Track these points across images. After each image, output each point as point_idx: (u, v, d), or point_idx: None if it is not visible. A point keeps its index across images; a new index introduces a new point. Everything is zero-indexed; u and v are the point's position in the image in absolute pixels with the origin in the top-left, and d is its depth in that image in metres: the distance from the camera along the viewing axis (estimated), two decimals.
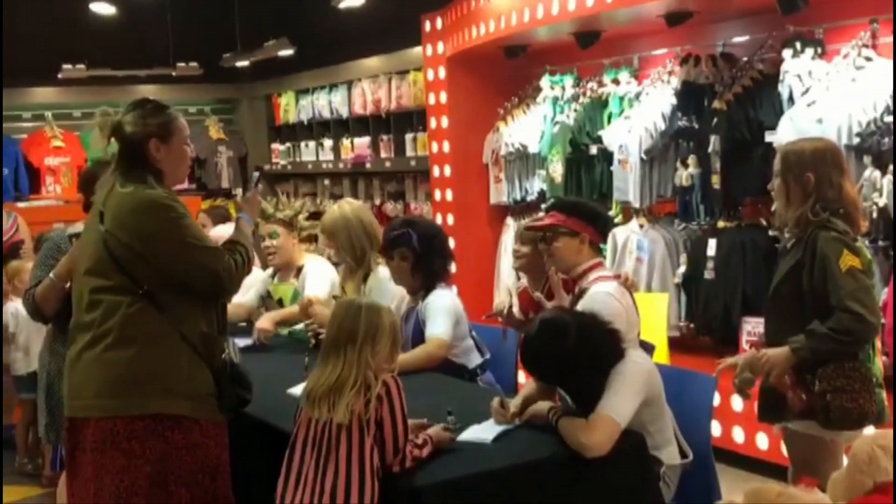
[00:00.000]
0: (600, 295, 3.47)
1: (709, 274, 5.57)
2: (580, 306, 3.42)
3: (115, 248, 3.01)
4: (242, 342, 4.36)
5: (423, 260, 4.09)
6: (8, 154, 9.45)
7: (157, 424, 2.96)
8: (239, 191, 10.70)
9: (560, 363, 3.04)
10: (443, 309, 4.02)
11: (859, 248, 3.29)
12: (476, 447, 2.97)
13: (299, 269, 4.82)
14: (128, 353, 2.97)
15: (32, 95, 9.52)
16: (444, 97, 7.20)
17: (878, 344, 3.41)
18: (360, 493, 2.68)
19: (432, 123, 7.34)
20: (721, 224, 5.57)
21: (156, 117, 3.13)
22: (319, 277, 4.71)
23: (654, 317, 5.32)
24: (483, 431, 3.07)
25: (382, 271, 4.37)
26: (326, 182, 9.96)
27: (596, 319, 3.19)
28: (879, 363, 3.38)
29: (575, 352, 3.00)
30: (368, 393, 2.73)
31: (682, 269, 5.82)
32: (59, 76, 8.99)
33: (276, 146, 10.60)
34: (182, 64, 9.26)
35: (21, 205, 7.91)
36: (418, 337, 4.06)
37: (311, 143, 9.92)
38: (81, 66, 8.92)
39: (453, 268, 4.32)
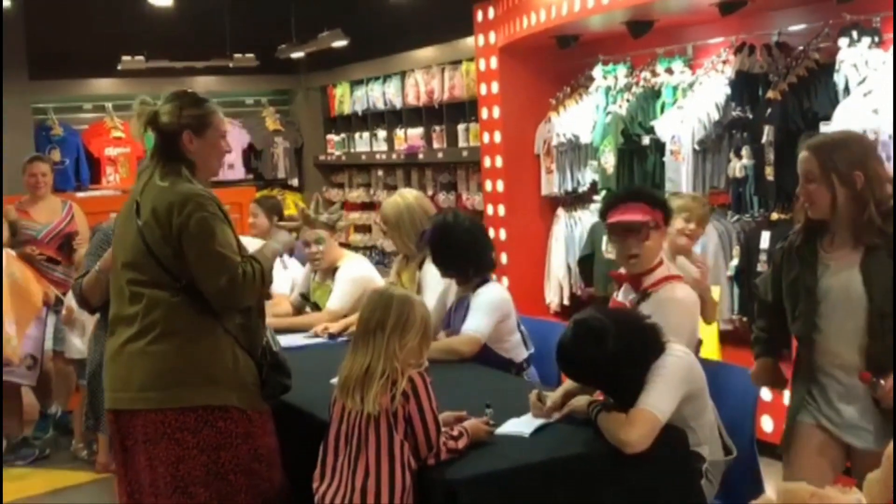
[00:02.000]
0: (673, 305, 3.40)
1: (762, 267, 5.47)
2: (651, 312, 3.27)
3: (153, 243, 3.04)
4: (302, 340, 4.41)
5: (437, 256, 4.14)
6: (69, 144, 9.64)
7: (207, 415, 3.01)
8: (295, 180, 10.81)
9: (597, 367, 2.98)
10: (488, 305, 4.01)
11: None
12: (513, 441, 2.95)
13: (335, 270, 4.82)
14: (172, 346, 3.01)
15: (93, 86, 9.69)
16: (495, 87, 7.17)
17: None
18: (390, 488, 2.69)
19: (484, 114, 7.31)
20: (775, 216, 5.48)
21: (192, 109, 3.14)
22: (343, 287, 4.70)
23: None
24: (521, 425, 3.05)
25: None
26: (380, 173, 9.99)
27: (633, 316, 3.15)
28: None
29: (613, 356, 2.93)
30: (394, 388, 2.73)
31: (735, 261, 5.72)
32: (119, 67, 9.12)
33: (331, 137, 10.66)
34: (239, 55, 9.35)
35: (80, 195, 8.05)
36: None
37: (366, 134, 9.96)
38: (140, 57, 9.04)
39: (491, 262, 4.26)
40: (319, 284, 4.90)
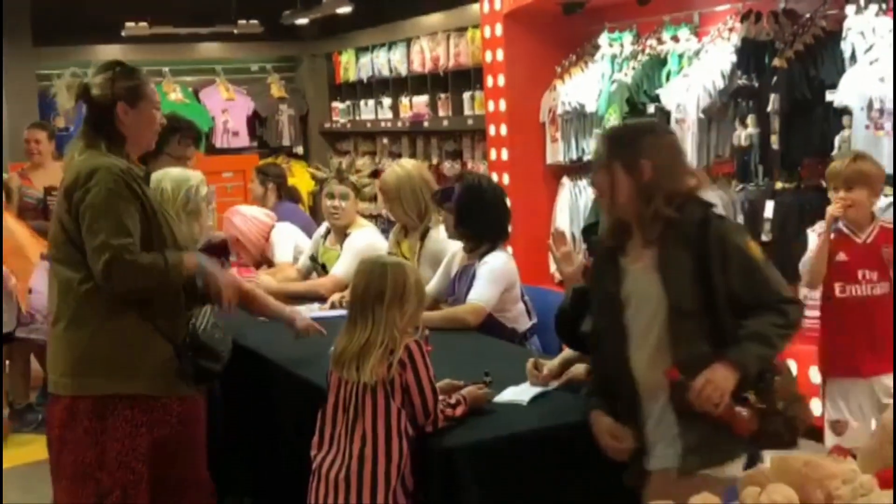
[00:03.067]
0: None
1: (765, 236, 5.45)
2: None
3: (65, 219, 2.93)
4: (318, 312, 4.34)
5: (461, 217, 4.09)
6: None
7: (116, 403, 2.93)
8: (300, 148, 10.77)
9: None
10: (494, 274, 4.00)
11: None
12: (511, 408, 2.96)
13: (345, 237, 4.84)
14: (84, 335, 2.94)
15: (96, 53, 9.60)
16: (500, 55, 7.11)
17: None
18: (387, 455, 2.70)
19: (489, 82, 7.26)
20: (779, 185, 5.45)
21: (125, 80, 3.02)
22: (350, 256, 4.62)
23: None
24: (520, 393, 3.06)
25: (441, 231, 4.38)
26: (385, 141, 9.96)
27: None
28: None
29: None
30: (391, 357, 2.73)
31: None
32: (123, 34, 9.08)
33: (336, 104, 10.62)
34: (243, 21, 9.29)
35: None
36: None
37: (371, 102, 9.91)
38: (144, 23, 9.00)
39: (509, 229, 4.27)
40: (328, 249, 4.91)
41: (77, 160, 2.98)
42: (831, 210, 3.93)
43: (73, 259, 2.92)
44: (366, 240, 4.76)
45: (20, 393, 5.85)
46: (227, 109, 10.27)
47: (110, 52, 9.51)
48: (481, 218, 4.09)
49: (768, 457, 2.01)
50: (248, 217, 5.24)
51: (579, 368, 3.10)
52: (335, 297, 4.49)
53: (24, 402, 5.87)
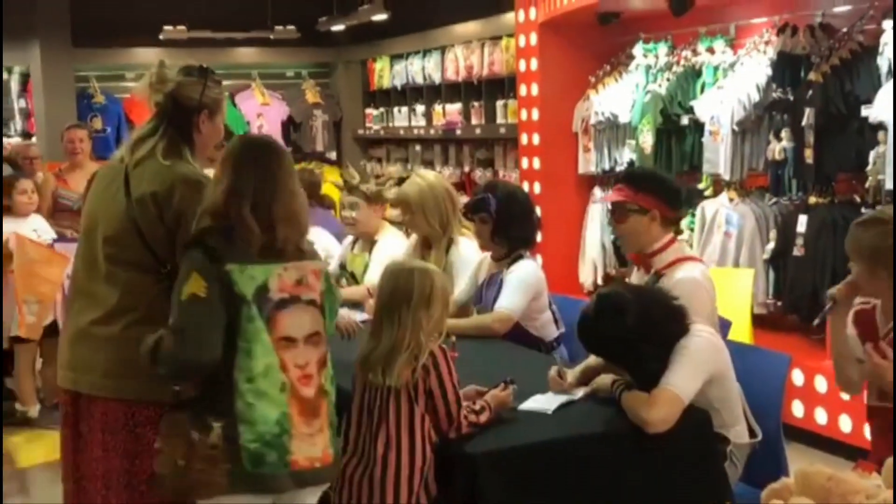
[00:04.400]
0: (687, 284, 3.35)
1: (798, 251, 5.42)
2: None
3: (143, 222, 2.86)
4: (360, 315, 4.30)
5: (501, 226, 4.05)
6: (111, 113, 9.74)
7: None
8: (333, 154, 10.81)
9: (619, 343, 2.98)
10: (522, 283, 3.99)
11: None
12: (535, 417, 2.96)
13: (374, 244, 4.83)
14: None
15: (134, 55, 9.74)
16: (534, 64, 7.12)
17: None
18: (410, 459, 2.71)
19: (522, 91, 7.27)
20: (813, 200, 5.41)
21: (213, 90, 3.03)
22: (380, 264, 4.62)
23: (737, 293, 5.24)
24: (545, 402, 3.06)
25: (464, 242, 4.37)
26: (418, 148, 9.98)
27: (658, 295, 3.12)
28: None
29: (634, 331, 2.93)
30: (415, 362, 2.73)
31: (772, 244, 5.67)
32: (161, 37, 9.17)
33: (369, 111, 10.66)
34: (280, 27, 9.37)
35: None
36: None
37: (404, 109, 9.95)
38: (182, 27, 9.09)
39: (538, 237, 4.27)
40: (356, 255, 4.91)
41: (161, 164, 2.91)
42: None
43: (144, 261, 2.86)
44: (395, 247, 4.75)
45: (51, 391, 5.90)
46: (261, 114, 10.35)
47: (148, 54, 9.63)
48: (518, 227, 4.10)
49: (792, 470, 2.00)
50: None
51: (604, 379, 3.09)
52: (370, 302, 4.49)
53: (54, 400, 5.93)
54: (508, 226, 4.06)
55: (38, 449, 5.42)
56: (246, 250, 2.64)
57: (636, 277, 3.68)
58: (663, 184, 3.64)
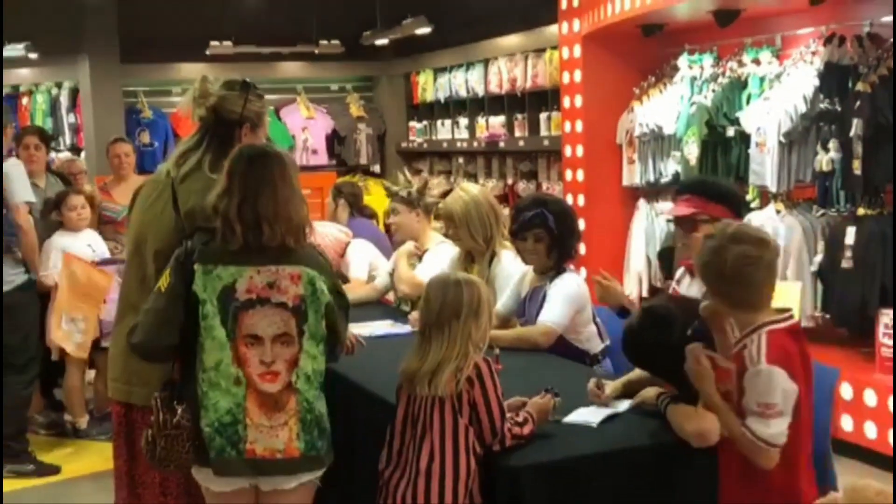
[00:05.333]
0: None
1: (846, 263, 5.36)
2: None
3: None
4: (387, 329, 4.34)
5: (559, 241, 4.03)
6: (158, 127, 9.89)
7: None
8: (377, 167, 10.88)
9: (664, 355, 2.94)
10: (566, 296, 3.97)
11: None
12: (580, 430, 2.94)
13: (423, 253, 4.84)
14: None
15: (182, 71, 9.87)
16: (578, 76, 7.13)
17: None
18: (454, 471, 2.71)
19: (566, 102, 7.28)
20: (861, 211, 5.36)
21: (255, 103, 3.11)
22: (431, 268, 4.61)
23: (784, 306, 5.16)
24: (590, 415, 3.04)
25: (506, 255, 4.37)
26: (461, 160, 10.03)
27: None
28: None
29: (677, 343, 2.89)
30: (460, 374, 2.74)
31: (819, 257, 5.61)
32: (207, 52, 9.34)
33: (413, 124, 10.74)
34: (324, 42, 9.49)
35: None
36: None
37: (448, 122, 10.00)
38: (228, 42, 9.25)
39: (582, 249, 4.27)
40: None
41: (208, 177, 3.00)
42: None
43: None
44: (442, 257, 4.77)
45: (101, 401, 5.98)
46: (306, 127, 10.46)
47: (195, 69, 9.77)
48: (571, 241, 4.09)
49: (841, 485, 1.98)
50: (324, 233, 5.31)
51: (650, 391, 3.06)
52: (414, 314, 4.51)
53: (105, 409, 6.01)
54: (565, 239, 4.05)
55: (86, 459, 5.51)
56: (224, 250, 2.81)
57: (687, 284, 3.65)
58: (732, 193, 3.65)
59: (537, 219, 4.00)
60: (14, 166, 5.21)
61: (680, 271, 3.78)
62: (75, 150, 10.13)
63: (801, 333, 2.81)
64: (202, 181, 3.00)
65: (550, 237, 3.99)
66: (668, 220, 3.68)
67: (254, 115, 3.10)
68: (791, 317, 2.77)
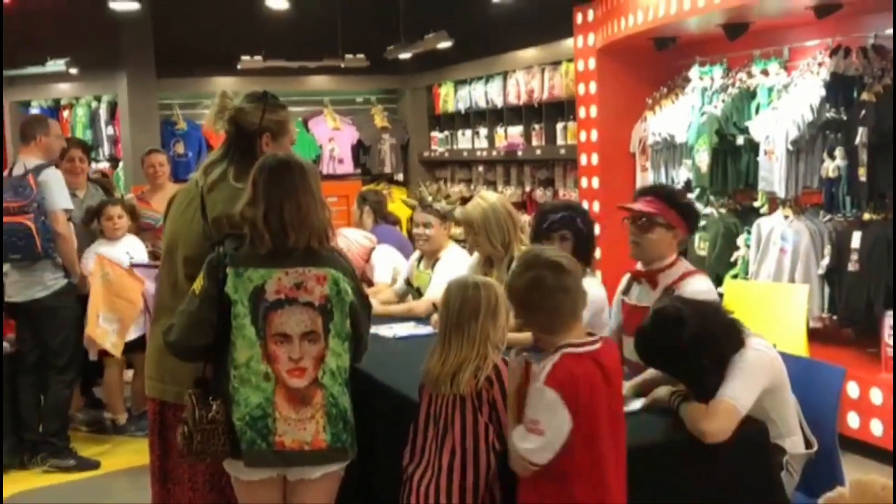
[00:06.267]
0: (701, 296, 3.35)
1: (852, 266, 5.51)
2: None
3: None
4: (412, 329, 4.49)
5: (584, 242, 4.07)
6: (192, 138, 10.13)
7: None
8: (400, 175, 11.09)
9: (677, 354, 3.00)
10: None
11: None
12: None
13: (437, 261, 4.99)
14: None
15: (214, 84, 10.04)
16: (593, 87, 7.31)
17: None
18: (475, 468, 2.75)
19: (581, 113, 7.45)
20: (867, 216, 5.51)
21: (274, 113, 3.20)
22: (442, 281, 4.62)
23: (793, 308, 5.29)
24: None
25: None
26: (480, 169, 10.23)
27: (714, 307, 3.16)
28: None
29: (692, 343, 2.95)
30: (479, 373, 2.77)
31: (826, 260, 5.76)
32: (238, 66, 9.53)
33: (434, 134, 10.95)
34: (350, 56, 9.65)
35: None
36: None
37: (468, 132, 10.21)
38: (258, 57, 9.44)
39: (597, 253, 4.31)
40: (421, 272, 5.10)
41: (234, 186, 3.12)
42: None
43: None
44: (457, 266, 4.87)
45: (139, 400, 6.12)
46: (333, 138, 10.71)
47: (226, 83, 9.98)
48: (593, 244, 4.17)
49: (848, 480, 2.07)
50: (351, 239, 5.54)
51: (662, 390, 3.13)
52: (434, 316, 4.68)
53: (141, 408, 6.22)
54: (589, 243, 4.13)
55: (124, 455, 5.73)
56: (254, 254, 2.95)
57: (637, 293, 3.72)
58: (689, 206, 3.73)
59: (565, 220, 4.04)
60: (52, 175, 5.34)
61: (625, 280, 3.84)
62: (113, 160, 10.40)
63: (610, 357, 2.67)
64: (227, 190, 3.12)
65: (576, 238, 4.01)
66: (624, 219, 3.70)
67: (273, 124, 3.20)
68: (595, 342, 2.65)
